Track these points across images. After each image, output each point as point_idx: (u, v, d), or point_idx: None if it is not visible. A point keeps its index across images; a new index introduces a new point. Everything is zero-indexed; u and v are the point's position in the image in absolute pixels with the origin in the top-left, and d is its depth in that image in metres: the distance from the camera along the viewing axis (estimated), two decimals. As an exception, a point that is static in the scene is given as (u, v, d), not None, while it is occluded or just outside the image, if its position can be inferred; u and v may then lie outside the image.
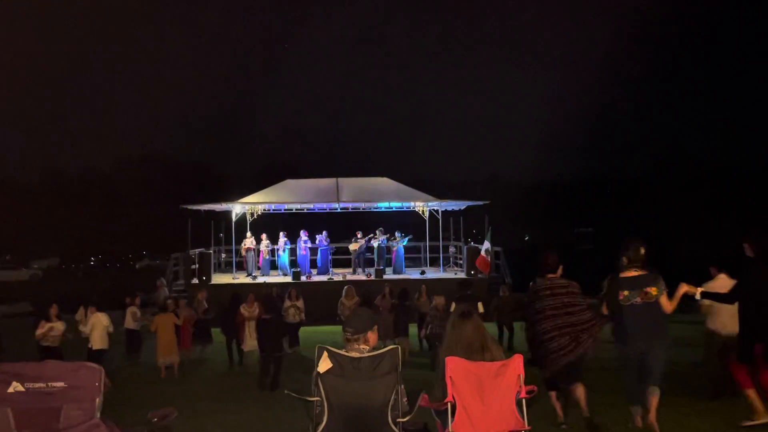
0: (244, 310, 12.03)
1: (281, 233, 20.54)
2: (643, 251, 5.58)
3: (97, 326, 11.14)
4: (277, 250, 20.46)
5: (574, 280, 6.02)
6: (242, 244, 20.30)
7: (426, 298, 13.37)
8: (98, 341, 11.09)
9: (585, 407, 5.81)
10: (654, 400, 5.47)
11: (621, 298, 5.52)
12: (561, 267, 6.07)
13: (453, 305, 9.76)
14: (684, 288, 5.53)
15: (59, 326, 10.29)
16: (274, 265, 20.72)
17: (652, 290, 5.46)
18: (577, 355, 5.61)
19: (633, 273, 5.54)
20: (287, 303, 13.05)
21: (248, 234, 20.45)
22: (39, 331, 10.13)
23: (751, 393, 5.61)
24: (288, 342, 12.61)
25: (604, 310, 5.76)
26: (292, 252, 20.73)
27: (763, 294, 5.34)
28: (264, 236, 20.48)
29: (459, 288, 11.91)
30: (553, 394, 5.98)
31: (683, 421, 6.07)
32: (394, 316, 12.44)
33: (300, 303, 13.18)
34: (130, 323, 12.79)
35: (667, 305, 5.48)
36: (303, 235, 20.44)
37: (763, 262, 5.46)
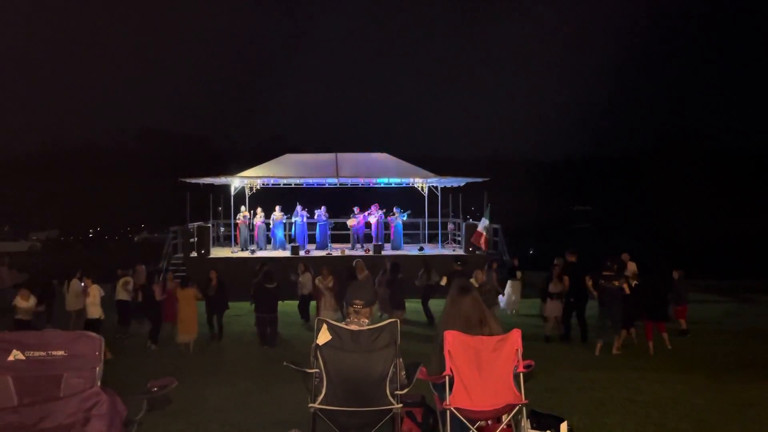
0: (318, 282, 12.41)
1: (277, 207, 20.50)
2: (613, 266, 11.29)
3: (94, 297, 11.32)
4: (274, 224, 20.41)
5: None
6: (237, 219, 20.28)
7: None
8: (94, 311, 11.33)
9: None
10: (618, 338, 10.77)
11: (601, 283, 10.98)
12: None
13: (444, 279, 12.01)
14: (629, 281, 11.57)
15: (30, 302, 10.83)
16: (270, 239, 20.70)
17: (617, 282, 10.77)
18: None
19: (608, 273, 11.05)
20: (304, 275, 13.27)
21: (242, 208, 20.40)
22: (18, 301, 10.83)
23: (650, 344, 10.83)
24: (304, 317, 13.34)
25: (595, 292, 11.36)
26: (288, 226, 20.72)
27: (650, 287, 11.27)
28: (259, 210, 20.45)
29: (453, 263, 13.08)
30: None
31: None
32: (390, 291, 12.50)
33: (308, 276, 13.26)
34: (121, 294, 12.80)
35: (626, 288, 10.72)
36: (300, 210, 20.42)
37: (652, 270, 12.09)
